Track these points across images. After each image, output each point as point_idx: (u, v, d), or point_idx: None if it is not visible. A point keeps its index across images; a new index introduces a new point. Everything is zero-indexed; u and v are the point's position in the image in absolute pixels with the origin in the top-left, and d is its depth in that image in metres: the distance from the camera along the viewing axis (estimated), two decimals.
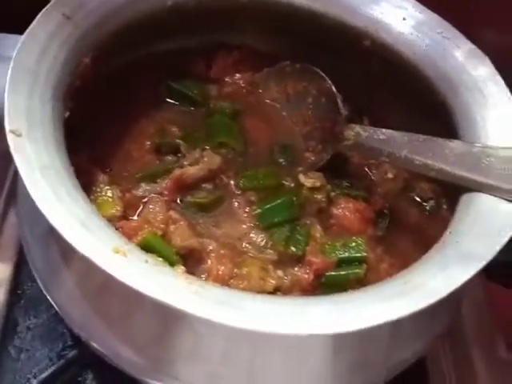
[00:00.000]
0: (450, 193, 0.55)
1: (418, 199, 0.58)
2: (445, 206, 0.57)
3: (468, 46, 0.53)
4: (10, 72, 0.42)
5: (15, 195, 0.63)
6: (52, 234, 0.42)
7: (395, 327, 0.41)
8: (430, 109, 0.54)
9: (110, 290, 0.40)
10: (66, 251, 0.42)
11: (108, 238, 0.36)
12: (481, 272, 0.64)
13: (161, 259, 0.38)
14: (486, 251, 0.39)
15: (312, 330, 0.33)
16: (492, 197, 0.43)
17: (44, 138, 0.40)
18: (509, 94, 0.50)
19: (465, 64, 0.52)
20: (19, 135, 0.38)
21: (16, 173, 0.64)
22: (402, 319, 0.35)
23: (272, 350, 0.39)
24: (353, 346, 0.41)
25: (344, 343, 0.40)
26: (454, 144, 0.47)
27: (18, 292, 0.57)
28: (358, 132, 0.54)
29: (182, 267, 0.40)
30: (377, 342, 0.42)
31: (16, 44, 0.77)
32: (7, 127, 0.38)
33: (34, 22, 0.46)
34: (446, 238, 0.42)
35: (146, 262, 0.36)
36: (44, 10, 0.47)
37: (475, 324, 0.63)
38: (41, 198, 0.36)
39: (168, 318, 0.39)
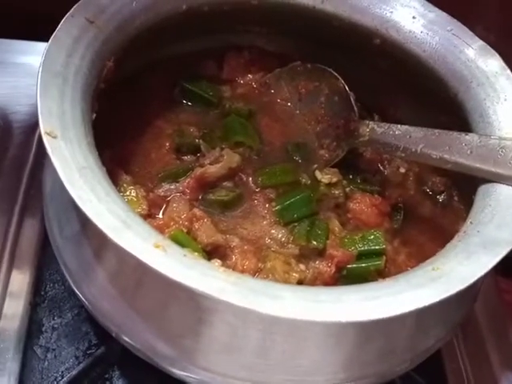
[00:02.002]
0: (462, 185, 0.57)
1: (430, 192, 0.60)
2: (456, 198, 0.58)
3: (478, 42, 0.54)
4: (39, 76, 0.43)
5: (31, 200, 0.65)
6: (85, 232, 0.43)
7: (422, 314, 0.43)
8: (442, 105, 0.55)
9: (145, 285, 0.41)
10: (101, 249, 0.43)
11: (147, 234, 0.37)
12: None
13: (196, 254, 0.39)
14: (508, 238, 0.41)
15: (349, 318, 0.35)
16: (510, 187, 0.45)
17: (77, 139, 0.41)
18: None
19: (476, 60, 0.53)
20: (54, 137, 0.39)
21: (31, 181, 0.66)
22: (431, 306, 0.37)
23: (306, 339, 0.40)
24: (382, 334, 0.42)
25: (374, 331, 0.42)
26: (470, 137, 0.48)
27: (41, 293, 0.58)
28: (373, 128, 0.55)
29: (219, 261, 0.41)
30: (404, 329, 0.43)
31: (25, 50, 0.78)
32: (42, 129, 0.39)
33: (59, 27, 0.46)
34: (468, 227, 0.43)
35: (185, 255, 0.37)
36: (67, 15, 0.48)
37: (488, 315, 0.65)
38: (81, 197, 0.37)
39: (203, 310, 0.40)
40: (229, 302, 0.34)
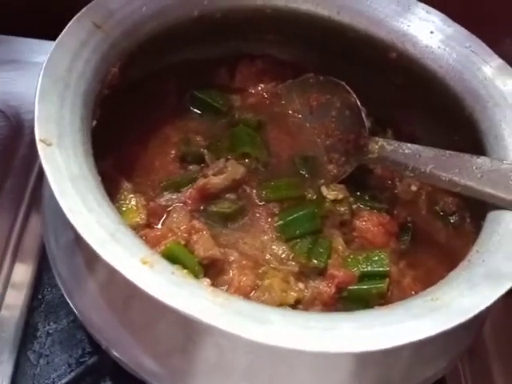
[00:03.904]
0: (475, 207, 0.54)
1: (441, 213, 0.57)
2: (468, 220, 0.56)
3: (497, 61, 0.52)
4: (40, 80, 0.42)
5: (36, 202, 0.64)
6: (78, 242, 0.43)
7: (420, 346, 0.41)
8: (457, 123, 0.54)
9: (134, 300, 0.40)
10: (92, 260, 0.42)
11: (136, 249, 0.36)
12: None
13: (186, 271, 0.38)
14: None
15: (341, 348, 0.33)
16: None
17: (73, 146, 0.40)
18: None
19: (493, 79, 0.51)
20: (49, 144, 0.39)
21: (38, 181, 0.66)
22: (429, 338, 0.35)
23: (296, 365, 0.39)
24: (377, 364, 0.40)
25: (369, 361, 0.40)
26: (481, 160, 0.47)
27: (39, 297, 0.58)
28: (383, 145, 0.54)
29: (208, 280, 0.40)
30: (401, 359, 0.41)
31: (41, 49, 0.79)
32: (37, 136, 0.39)
33: (65, 30, 0.46)
34: (473, 256, 0.41)
35: (173, 273, 0.36)
36: (74, 18, 0.47)
37: (495, 340, 0.63)
38: (70, 208, 0.36)
39: (192, 330, 0.39)
40: (215, 326, 0.33)
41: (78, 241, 0.42)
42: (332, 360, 0.39)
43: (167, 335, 0.40)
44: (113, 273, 0.39)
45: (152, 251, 0.37)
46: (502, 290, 0.37)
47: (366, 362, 0.40)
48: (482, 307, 0.36)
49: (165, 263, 0.36)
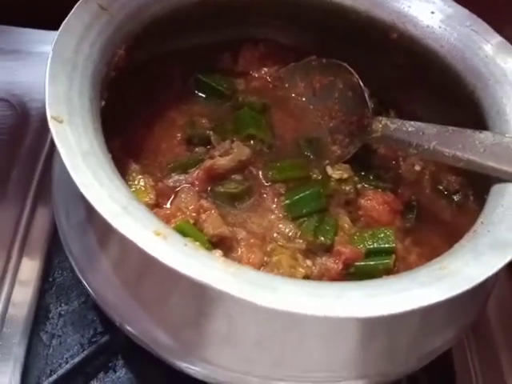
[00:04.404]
0: (478, 185, 0.55)
1: (445, 192, 0.58)
2: (472, 198, 0.57)
3: (497, 39, 0.53)
4: (49, 61, 0.43)
5: (44, 189, 0.65)
6: (90, 220, 0.43)
7: (427, 314, 0.42)
8: (459, 101, 0.54)
9: (147, 274, 0.41)
10: (104, 236, 0.42)
11: (149, 222, 0.37)
12: (506, 268, 0.65)
13: (198, 243, 0.39)
14: None
15: (347, 313, 0.34)
16: None
17: (83, 125, 0.41)
18: None
19: (494, 57, 0.52)
20: (60, 122, 0.39)
21: (45, 169, 0.66)
22: (435, 305, 0.36)
23: (305, 334, 0.40)
24: (385, 332, 0.41)
25: (377, 329, 0.41)
26: (484, 135, 0.47)
27: (50, 280, 0.59)
28: (386, 124, 0.54)
29: (220, 251, 0.41)
30: (408, 328, 0.42)
31: (42, 39, 0.79)
32: (48, 114, 0.39)
33: (71, 13, 0.47)
34: (478, 227, 0.42)
35: (185, 245, 0.36)
36: (80, 1, 0.48)
37: (502, 319, 0.64)
38: (82, 182, 0.36)
39: (204, 301, 0.39)
40: (226, 292, 0.34)
41: (91, 217, 0.43)
42: (341, 327, 0.40)
43: (179, 308, 0.41)
44: (126, 247, 0.40)
45: (165, 224, 0.38)
46: (506, 259, 0.38)
47: (374, 329, 0.40)
48: (488, 275, 0.37)
49: (177, 235, 0.37)
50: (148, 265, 0.40)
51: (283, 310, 0.34)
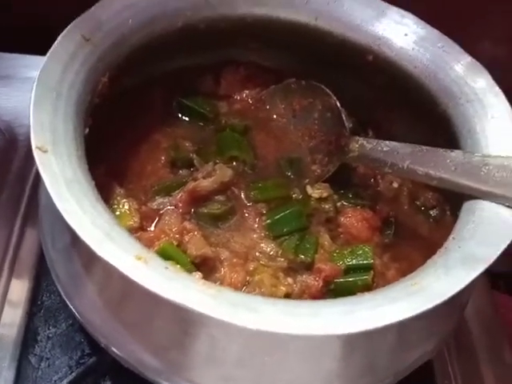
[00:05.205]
0: (453, 201, 0.57)
1: (422, 207, 0.60)
2: (448, 213, 0.59)
3: (467, 59, 0.55)
4: (34, 90, 0.44)
5: (32, 212, 0.66)
6: (75, 245, 0.45)
7: (403, 329, 0.43)
8: (433, 120, 0.56)
9: (130, 297, 0.42)
10: (89, 262, 0.44)
11: (130, 247, 0.38)
12: (486, 282, 0.66)
13: (179, 266, 0.40)
14: (488, 254, 0.41)
15: (325, 331, 0.35)
16: (493, 203, 0.45)
17: (67, 153, 0.42)
18: (507, 105, 0.52)
19: (465, 76, 0.54)
20: (45, 151, 0.41)
21: (33, 193, 0.68)
22: (409, 320, 0.37)
23: (286, 352, 0.41)
24: (363, 348, 0.42)
25: (355, 345, 0.42)
26: (455, 154, 0.49)
27: (38, 303, 0.59)
28: (363, 144, 0.56)
29: (200, 273, 0.42)
30: (386, 343, 0.43)
31: (31, 64, 0.81)
32: (33, 144, 0.41)
33: (56, 43, 0.48)
34: (449, 243, 0.44)
35: (166, 268, 0.38)
36: (64, 31, 0.49)
37: (482, 331, 0.65)
38: (66, 209, 0.38)
39: (186, 323, 0.40)
40: (206, 314, 0.35)
41: (75, 243, 0.44)
42: (320, 345, 0.41)
43: (163, 330, 0.42)
44: (109, 272, 0.42)
45: (146, 249, 0.39)
46: (476, 273, 0.40)
47: (352, 346, 0.42)
48: (458, 289, 0.39)
49: (158, 259, 0.38)
50: (130, 289, 0.41)
51: (263, 330, 0.35)
